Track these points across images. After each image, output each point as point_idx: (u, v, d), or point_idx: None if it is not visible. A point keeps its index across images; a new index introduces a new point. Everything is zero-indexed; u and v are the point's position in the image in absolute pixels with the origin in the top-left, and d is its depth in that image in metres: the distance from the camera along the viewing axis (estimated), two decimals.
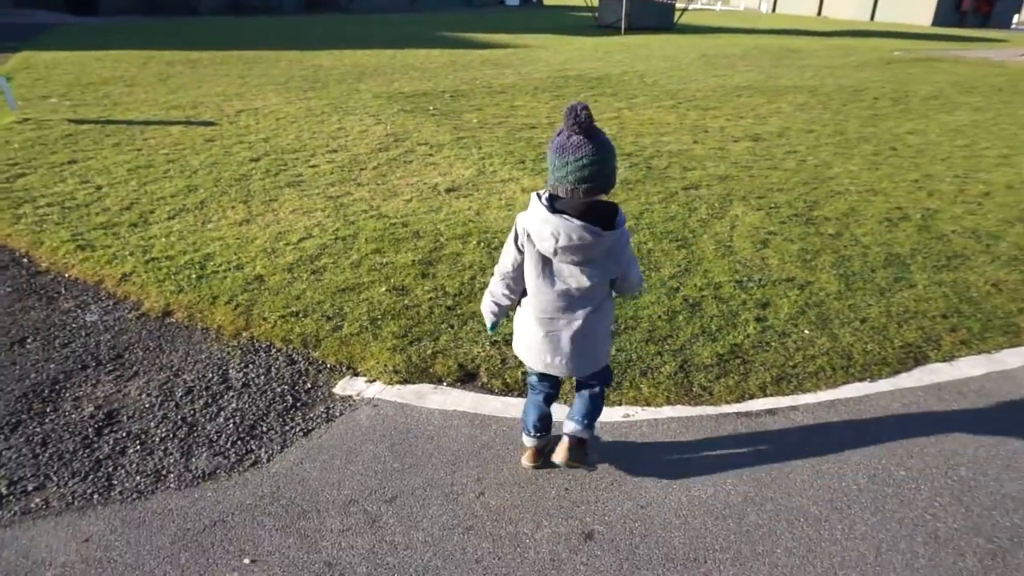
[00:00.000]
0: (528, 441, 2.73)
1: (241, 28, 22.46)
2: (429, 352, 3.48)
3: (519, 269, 2.38)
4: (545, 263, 2.30)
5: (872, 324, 3.82)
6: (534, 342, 2.45)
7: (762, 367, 3.40)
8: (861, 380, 3.35)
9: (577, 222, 2.14)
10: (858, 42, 22.47)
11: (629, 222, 5.20)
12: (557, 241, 2.16)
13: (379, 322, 3.75)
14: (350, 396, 3.21)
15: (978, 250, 4.85)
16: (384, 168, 6.66)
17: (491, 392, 3.24)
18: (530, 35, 22.05)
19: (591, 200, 2.18)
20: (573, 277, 2.29)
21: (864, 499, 2.59)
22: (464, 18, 30.77)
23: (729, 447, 2.88)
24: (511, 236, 2.34)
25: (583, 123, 2.10)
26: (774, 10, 43.34)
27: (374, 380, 3.32)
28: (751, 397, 3.21)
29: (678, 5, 27.32)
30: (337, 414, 3.07)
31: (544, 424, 2.70)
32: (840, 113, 9.88)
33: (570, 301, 2.35)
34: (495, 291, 2.49)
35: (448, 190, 5.98)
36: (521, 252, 2.33)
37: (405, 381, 3.30)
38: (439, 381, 3.31)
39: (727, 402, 3.17)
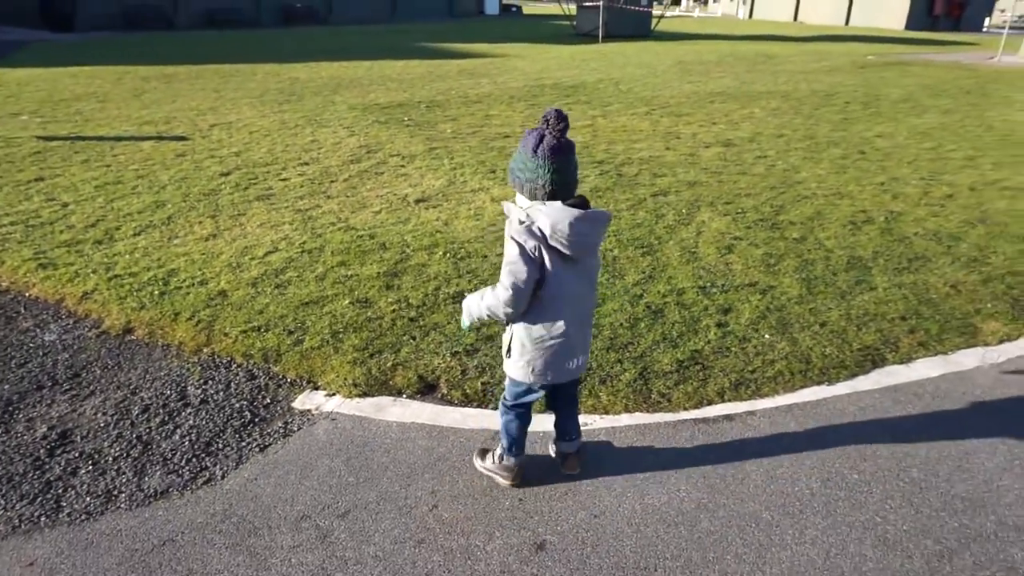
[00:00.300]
0: (516, 462, 2.69)
1: (218, 42, 22.40)
2: (390, 364, 3.48)
3: (531, 284, 2.26)
4: (570, 266, 2.27)
5: (832, 327, 3.86)
6: (564, 349, 2.39)
7: (721, 373, 3.43)
8: (819, 384, 3.38)
9: (602, 211, 2.29)
10: (832, 47, 22.76)
11: None
12: (588, 236, 2.23)
13: (341, 335, 3.74)
14: (309, 410, 3.19)
15: (939, 252, 4.92)
16: (355, 180, 6.66)
17: (450, 403, 3.23)
18: (508, 44, 22.16)
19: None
20: (593, 270, 2.43)
21: (816, 503, 2.61)
22: (444, 28, 30.88)
23: (686, 454, 2.89)
24: (517, 252, 2.20)
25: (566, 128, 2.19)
26: (751, 16, 43.83)
27: (334, 394, 3.31)
28: (709, 403, 3.22)
29: (655, 12, 27.58)
30: (295, 429, 3.06)
31: None
32: (811, 118, 9.99)
33: (593, 295, 2.51)
34: (496, 307, 2.32)
35: (417, 201, 5.99)
36: (540, 264, 2.23)
37: (365, 394, 3.29)
38: (399, 393, 3.30)
39: (685, 408, 3.18)
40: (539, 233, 2.19)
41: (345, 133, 8.82)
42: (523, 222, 2.24)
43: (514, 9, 46.93)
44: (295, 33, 27.25)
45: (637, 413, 3.15)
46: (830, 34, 29.61)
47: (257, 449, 2.92)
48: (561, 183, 2.19)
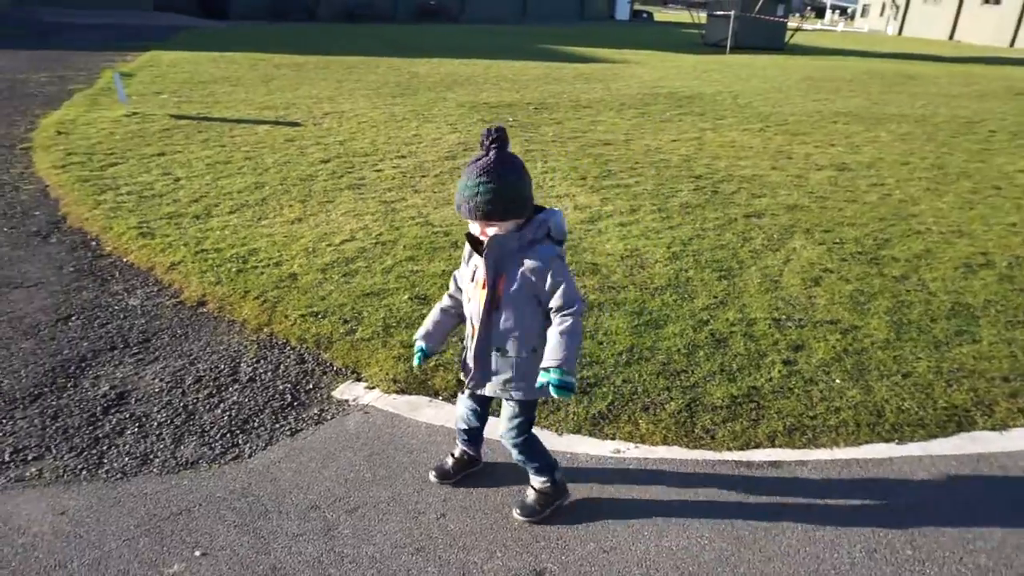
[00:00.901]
0: (560, 473, 2.59)
1: (352, 35, 23.50)
2: (432, 364, 3.46)
3: None
4: None
5: (916, 380, 3.48)
6: None
7: (777, 415, 3.17)
8: (888, 441, 3.05)
9: None
10: (988, 70, 20.83)
11: (676, 247, 5.00)
12: None
13: (392, 329, 3.77)
14: (346, 400, 3.24)
15: None
16: (445, 176, 6.74)
17: None
18: (631, 51, 21.83)
19: None
20: None
21: None
22: (570, 31, 30.90)
23: (719, 498, 2.69)
24: (565, 264, 2.31)
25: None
26: (900, 32, 40.91)
27: (374, 387, 3.34)
28: (757, 446, 2.98)
29: (791, 24, 26.26)
30: (328, 417, 3.10)
31: None
32: (945, 146, 9.15)
33: None
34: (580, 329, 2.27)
35: None
36: None
37: (402, 391, 3.30)
38: (436, 394, 3.28)
39: (729, 448, 2.96)
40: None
41: (448, 129, 8.97)
42: (551, 238, 2.25)
43: (645, 16, 46.29)
44: (426, 30, 28.14)
45: (675, 447, 2.97)
46: (989, 56, 27.12)
47: (288, 433, 2.99)
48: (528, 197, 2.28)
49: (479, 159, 2.15)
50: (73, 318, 3.85)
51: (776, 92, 13.72)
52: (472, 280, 2.33)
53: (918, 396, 3.35)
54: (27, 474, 2.67)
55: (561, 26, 35.14)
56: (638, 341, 3.71)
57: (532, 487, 2.57)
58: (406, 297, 4.13)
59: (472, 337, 2.36)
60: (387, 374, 3.40)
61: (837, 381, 3.44)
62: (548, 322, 2.27)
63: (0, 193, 5.78)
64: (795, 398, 3.29)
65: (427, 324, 2.50)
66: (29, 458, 2.75)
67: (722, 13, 24.10)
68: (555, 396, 2.16)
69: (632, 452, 2.93)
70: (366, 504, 2.59)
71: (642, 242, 5.11)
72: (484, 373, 2.38)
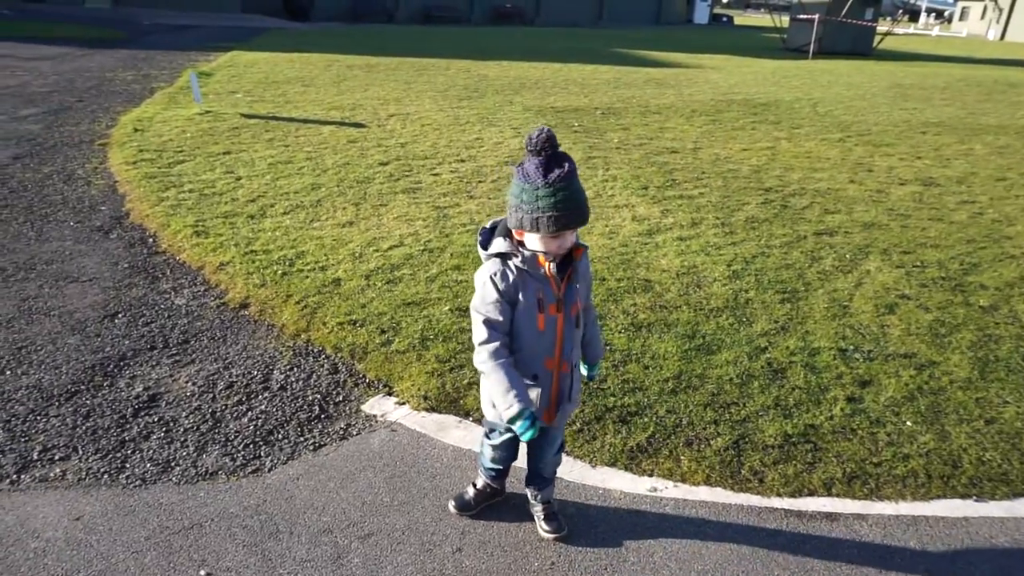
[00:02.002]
0: None
1: (427, 37, 23.75)
2: (465, 382, 3.32)
3: None
4: None
5: (1002, 427, 3.10)
6: None
7: (836, 459, 2.87)
8: (964, 497, 2.71)
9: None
10: None
11: (737, 265, 4.70)
12: None
13: (429, 342, 3.65)
14: (374, 416, 3.13)
15: None
16: (502, 182, 6.60)
17: None
18: (707, 55, 21.23)
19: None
20: None
21: None
22: (646, 35, 30.37)
23: (761, 549, 2.43)
24: None
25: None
26: (1003, 37, 38.39)
27: (404, 402, 3.22)
28: (811, 493, 2.70)
29: (880, 28, 24.98)
30: (353, 433, 3.00)
31: None
32: None
33: None
34: None
35: None
36: None
37: (432, 409, 3.16)
38: (466, 415, 3.13)
39: (779, 494, 2.69)
40: None
41: (511, 133, 8.85)
42: None
43: (725, 19, 45.13)
44: (500, 32, 28.21)
45: (718, 488, 2.72)
46: None
47: (311, 447, 2.90)
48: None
49: (557, 165, 1.92)
50: (120, 315, 3.89)
51: (860, 100, 13.00)
52: (540, 310, 2.06)
53: (1002, 446, 2.98)
54: (51, 474, 2.67)
55: (636, 29, 34.61)
56: (687, 367, 3.46)
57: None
58: (447, 308, 4.00)
59: (553, 371, 2.15)
60: (419, 389, 3.27)
61: (908, 424, 3.10)
62: None
63: (73, 188, 5.99)
64: (858, 441, 2.98)
65: (516, 388, 2.04)
66: (56, 458, 2.76)
67: (806, 17, 23.15)
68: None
69: (670, 491, 2.70)
70: (380, 531, 2.46)
71: (701, 258, 4.83)
72: (568, 403, 2.26)
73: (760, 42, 28.50)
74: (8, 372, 3.31)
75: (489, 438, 2.42)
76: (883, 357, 3.63)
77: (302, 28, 25.57)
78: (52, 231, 5.03)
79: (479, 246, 2.12)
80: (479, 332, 2.07)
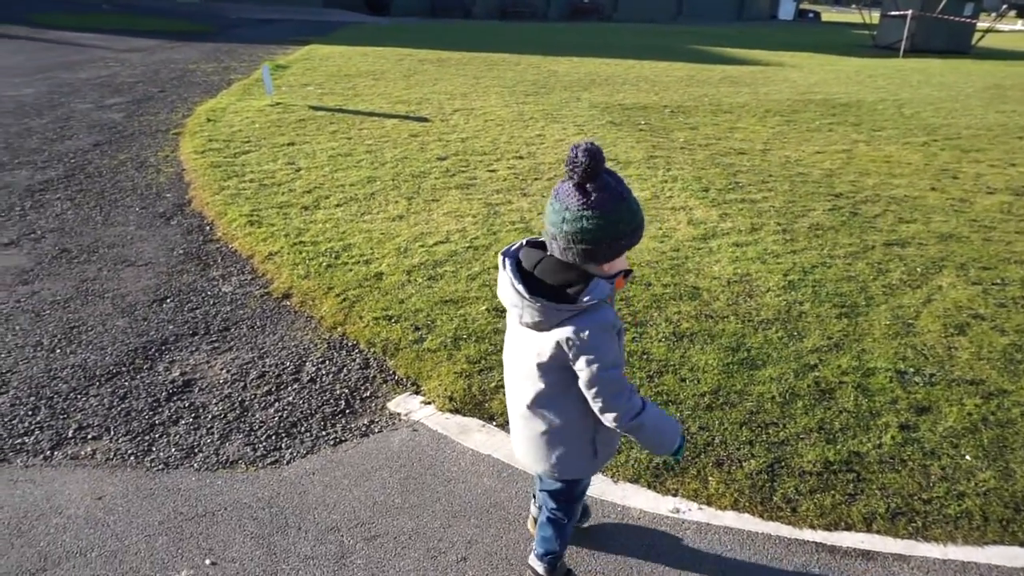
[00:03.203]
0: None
1: (502, 32, 23.76)
2: (492, 385, 3.25)
3: None
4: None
5: None
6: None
7: (880, 491, 2.65)
8: None
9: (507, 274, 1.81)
10: None
11: (794, 275, 4.45)
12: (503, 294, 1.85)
13: (461, 342, 3.60)
14: (398, 414, 3.10)
15: None
16: (557, 181, 6.49)
17: None
18: (789, 53, 20.39)
19: (556, 260, 1.78)
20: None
21: None
22: (726, 32, 29.46)
23: None
24: None
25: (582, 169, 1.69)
26: None
27: (430, 402, 3.18)
28: (848, 528, 2.51)
29: (979, 25, 23.39)
30: (375, 430, 2.98)
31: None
32: None
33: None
34: None
35: None
36: None
37: (456, 411, 3.11)
38: (490, 419, 3.07)
39: (812, 526, 2.51)
40: None
41: (574, 131, 8.71)
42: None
43: (811, 16, 43.34)
44: (576, 28, 27.94)
45: (746, 515, 2.56)
46: None
47: (332, 442, 2.89)
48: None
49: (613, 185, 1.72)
50: (168, 300, 4.01)
51: (951, 101, 12.19)
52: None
53: None
54: (82, 452, 2.76)
55: (716, 26, 33.64)
56: (727, 382, 3.29)
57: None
58: (483, 308, 3.94)
59: None
60: (446, 390, 3.22)
61: (967, 458, 2.84)
62: None
63: (143, 175, 6.25)
64: (907, 473, 2.75)
65: (668, 418, 1.95)
66: (89, 436, 2.85)
67: (897, 13, 21.90)
68: None
69: (694, 514, 2.56)
70: (387, 533, 2.42)
71: (756, 266, 4.59)
72: None
73: (848, 39, 27.17)
74: (58, 351, 3.45)
75: (570, 516, 2.13)
76: (946, 382, 3.34)
77: (381, 22, 26.03)
78: (118, 216, 5.25)
79: (544, 305, 1.74)
80: (617, 391, 1.79)
